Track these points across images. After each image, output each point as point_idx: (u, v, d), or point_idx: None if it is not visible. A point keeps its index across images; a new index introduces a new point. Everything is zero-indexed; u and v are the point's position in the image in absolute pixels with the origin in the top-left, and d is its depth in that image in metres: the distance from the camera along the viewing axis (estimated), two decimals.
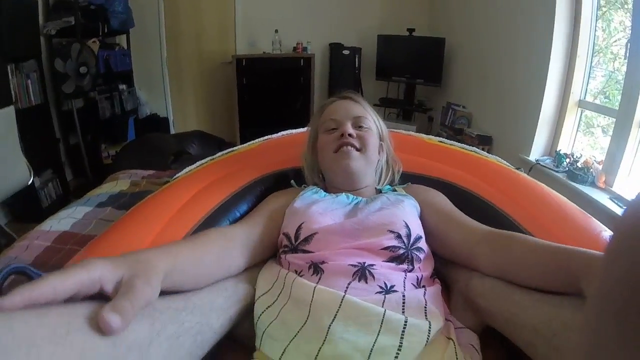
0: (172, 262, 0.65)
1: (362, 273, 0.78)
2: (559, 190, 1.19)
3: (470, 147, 1.47)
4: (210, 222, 1.04)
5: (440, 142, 1.47)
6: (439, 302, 0.80)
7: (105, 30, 3.93)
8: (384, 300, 0.73)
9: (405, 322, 0.68)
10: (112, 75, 4.04)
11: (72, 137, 3.81)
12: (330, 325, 0.68)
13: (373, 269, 0.79)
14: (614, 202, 2.37)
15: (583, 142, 2.98)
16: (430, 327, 0.70)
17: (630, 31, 2.41)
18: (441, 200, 1.05)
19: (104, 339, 0.48)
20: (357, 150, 1.05)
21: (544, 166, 2.98)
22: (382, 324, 0.68)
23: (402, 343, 0.65)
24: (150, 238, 0.94)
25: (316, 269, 0.81)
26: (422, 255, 0.86)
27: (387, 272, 0.80)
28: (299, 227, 0.89)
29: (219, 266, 0.79)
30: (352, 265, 0.79)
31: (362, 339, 0.66)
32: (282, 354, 0.69)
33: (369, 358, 0.64)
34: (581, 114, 2.98)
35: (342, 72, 4.88)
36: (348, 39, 4.89)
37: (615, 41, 2.62)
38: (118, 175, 2.07)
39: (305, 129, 1.28)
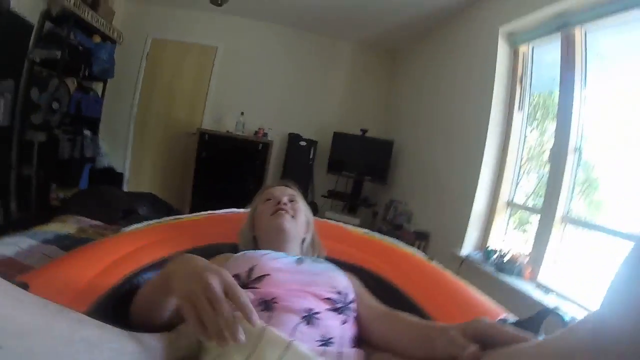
0: None
1: (309, 320, 0.83)
2: (487, 282, 1.31)
3: (391, 238, 1.58)
4: (142, 277, 1.08)
5: (365, 233, 1.59)
6: None
7: (86, 74, 3.91)
8: (322, 352, 0.77)
9: None
10: (80, 118, 3.95)
11: (26, 168, 3.60)
12: None
13: (317, 317, 0.84)
14: (538, 290, 2.43)
15: (519, 239, 3.10)
16: None
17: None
18: (357, 282, 1.12)
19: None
20: (291, 216, 1.18)
21: (474, 261, 3.05)
22: None
23: None
24: (88, 278, 0.96)
25: (267, 305, 0.84)
26: (353, 315, 0.95)
27: (328, 323, 0.85)
28: (251, 269, 0.94)
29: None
30: (301, 310, 0.84)
31: None
32: None
33: None
34: (510, 213, 3.14)
35: (297, 161, 4.99)
36: (306, 131, 5.09)
37: (546, 149, 2.86)
38: (66, 218, 2.00)
39: (247, 209, 1.38)
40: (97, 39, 4.09)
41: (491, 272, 2.79)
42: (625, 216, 2.18)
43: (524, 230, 3.10)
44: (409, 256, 1.42)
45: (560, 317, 0.96)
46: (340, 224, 1.65)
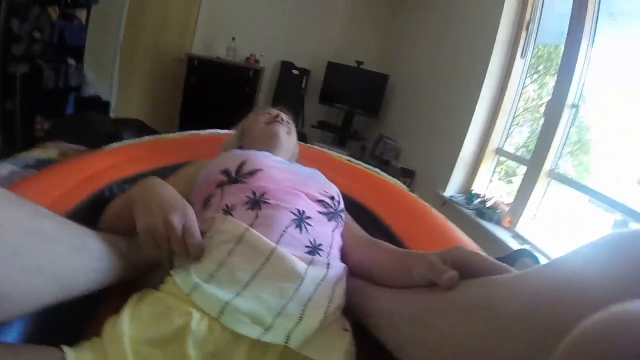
0: None
1: (299, 223, 0.80)
2: (466, 224, 1.29)
3: (374, 168, 1.59)
4: (123, 188, 1.07)
5: (348, 160, 1.59)
6: (343, 286, 0.80)
7: (68, 1, 3.65)
8: (310, 261, 0.74)
9: (310, 299, 0.69)
10: (64, 47, 3.73)
11: (9, 102, 3.46)
12: (249, 282, 0.67)
13: (308, 222, 0.81)
14: (514, 240, 2.49)
15: (503, 190, 3.14)
16: (328, 307, 0.70)
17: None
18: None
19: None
20: (286, 133, 1.15)
21: (456, 202, 3.10)
22: (294, 291, 0.68)
23: (302, 314, 0.66)
24: (60, 192, 0.94)
25: (255, 204, 0.80)
26: (342, 222, 0.93)
27: (318, 229, 0.82)
28: (242, 163, 0.89)
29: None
30: (292, 212, 0.81)
31: (274, 301, 0.65)
32: (191, 289, 0.65)
33: (275, 319, 0.63)
34: (498, 161, 3.15)
35: (289, 89, 4.86)
36: (300, 60, 4.90)
37: (542, 104, 2.81)
38: (48, 144, 1.95)
39: (231, 131, 1.35)
40: None
41: (471, 215, 2.85)
42: (610, 181, 2.20)
43: (509, 181, 3.14)
44: (390, 185, 1.43)
45: (534, 259, 0.99)
46: (325, 149, 1.66)
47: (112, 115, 4.64)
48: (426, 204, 1.32)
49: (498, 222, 2.71)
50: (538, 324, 0.44)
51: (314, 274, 0.72)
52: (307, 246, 0.77)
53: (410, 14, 4.74)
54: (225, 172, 0.88)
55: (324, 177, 1.03)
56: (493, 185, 3.20)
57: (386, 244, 0.89)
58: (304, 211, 0.82)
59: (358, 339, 0.73)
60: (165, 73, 4.92)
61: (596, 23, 2.35)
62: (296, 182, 0.90)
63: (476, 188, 3.18)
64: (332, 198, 0.92)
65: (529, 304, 0.47)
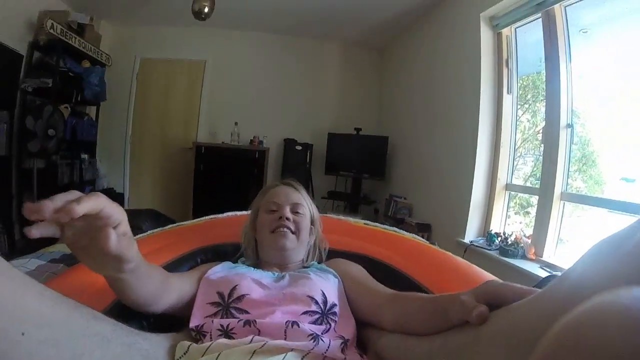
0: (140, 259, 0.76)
1: (294, 324, 0.85)
2: (492, 265, 1.30)
3: (391, 227, 1.59)
4: None
5: (365, 224, 1.59)
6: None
7: (78, 99, 3.94)
8: (314, 346, 0.79)
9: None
10: (77, 143, 3.98)
11: (27, 196, 3.61)
12: None
13: (302, 323, 0.86)
14: (543, 269, 2.42)
15: (522, 223, 3.10)
16: None
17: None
18: (357, 270, 1.14)
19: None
20: (292, 232, 1.15)
21: (478, 246, 3.04)
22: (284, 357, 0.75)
23: None
24: (96, 288, 0.97)
25: (252, 325, 0.86)
26: (336, 320, 0.94)
27: (312, 326, 0.88)
28: (233, 289, 0.96)
29: (162, 283, 0.89)
30: (282, 323, 0.85)
31: None
32: None
33: None
34: (509, 196, 3.14)
35: (294, 165, 5.00)
36: (301, 136, 5.11)
37: (539, 130, 2.86)
38: None
39: (247, 211, 1.36)
40: (86, 63, 4.13)
41: (496, 255, 2.79)
42: (626, 187, 2.18)
43: (527, 213, 3.11)
44: (410, 241, 1.43)
45: None
46: (341, 217, 1.65)
47: (127, 206, 4.75)
48: (448, 252, 1.33)
49: (523, 256, 2.65)
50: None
51: (304, 345, 0.78)
52: (308, 335, 0.82)
53: (396, 72, 5.03)
54: (220, 295, 0.96)
55: (317, 276, 1.04)
56: (511, 221, 3.16)
57: (413, 293, 0.92)
58: (292, 320, 0.87)
59: None
60: (175, 162, 5.13)
61: (569, 41, 2.48)
62: (279, 299, 0.95)
63: (494, 227, 3.14)
64: (317, 302, 0.94)
65: (543, 320, 0.47)
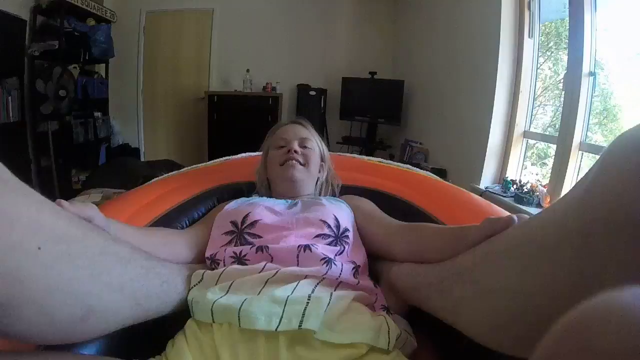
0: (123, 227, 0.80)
1: (306, 247, 0.86)
2: (508, 211, 1.27)
3: (404, 165, 1.58)
4: (171, 216, 1.16)
5: (379, 162, 1.59)
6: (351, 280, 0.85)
7: (86, 58, 3.94)
8: (327, 271, 0.81)
9: (315, 287, 0.77)
10: (89, 102, 4.01)
11: (44, 160, 3.71)
12: (259, 290, 0.76)
13: (314, 247, 0.87)
14: None
15: (538, 174, 3.09)
16: (334, 289, 0.78)
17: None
18: (368, 204, 1.16)
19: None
20: (301, 164, 1.18)
21: (493, 192, 3.06)
22: (298, 284, 0.76)
23: (310, 296, 0.72)
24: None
25: (264, 251, 0.88)
26: (349, 243, 0.96)
27: (325, 248, 0.90)
28: (245, 216, 0.98)
29: (164, 247, 0.89)
30: (295, 246, 0.87)
31: (281, 294, 0.72)
32: (212, 306, 0.72)
33: (284, 308, 0.69)
34: (526, 144, 3.11)
35: (309, 111, 4.95)
36: (315, 81, 5.04)
37: (561, 79, 2.78)
38: (90, 191, 2.04)
39: (259, 152, 1.39)
40: (91, 22, 4.06)
41: (511, 202, 2.81)
42: None
43: (543, 164, 3.09)
44: (425, 178, 1.44)
45: None
46: (355, 155, 1.67)
47: (143, 159, 4.84)
48: (463, 189, 1.32)
49: (539, 205, 2.67)
50: (569, 244, 0.46)
51: (316, 270, 0.80)
52: (321, 259, 0.83)
53: (412, 15, 4.83)
54: (235, 224, 0.98)
55: (329, 204, 1.06)
56: (527, 172, 3.15)
57: (428, 224, 0.94)
58: (304, 244, 0.88)
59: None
60: (188, 113, 5.14)
61: None
62: (290, 223, 0.96)
63: (510, 175, 3.14)
64: (329, 226, 0.96)
65: (559, 226, 0.49)
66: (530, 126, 3.10)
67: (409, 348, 0.76)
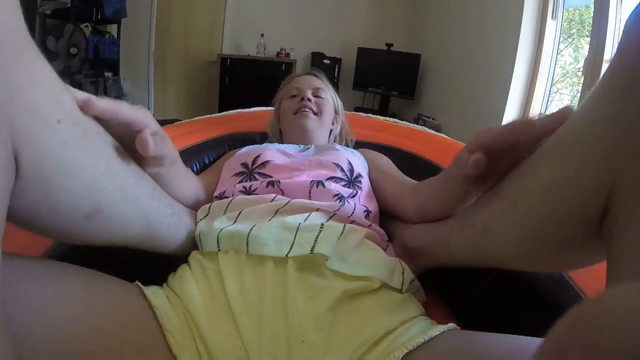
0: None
1: (319, 183, 0.83)
2: None
3: (422, 127, 1.56)
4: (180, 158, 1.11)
5: (395, 122, 1.56)
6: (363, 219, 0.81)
7: (98, 17, 3.88)
8: (340, 207, 0.77)
9: (328, 219, 0.75)
10: (100, 61, 3.98)
11: None
12: (270, 219, 0.73)
13: (327, 183, 0.84)
14: None
15: None
16: (347, 222, 0.75)
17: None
18: (383, 159, 1.11)
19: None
20: (314, 114, 1.15)
21: None
22: (310, 214, 0.74)
23: (322, 225, 0.68)
24: None
25: (275, 185, 0.85)
26: (362, 189, 0.92)
27: (338, 187, 0.86)
28: (256, 157, 0.96)
29: (197, 182, 0.88)
30: (307, 182, 0.84)
31: (294, 221, 0.70)
32: (218, 233, 0.69)
33: (296, 234, 0.66)
34: None
35: None
36: (330, 49, 4.97)
37: (580, 67, 2.73)
38: None
39: (271, 107, 1.37)
40: None
41: None
42: None
43: None
44: (441, 138, 1.42)
45: None
46: (370, 115, 1.64)
47: None
48: None
49: None
50: (576, 182, 0.45)
51: (329, 205, 0.77)
52: (334, 195, 0.81)
53: None
54: (245, 165, 0.96)
55: (342, 152, 1.02)
56: None
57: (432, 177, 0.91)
58: (317, 180, 0.85)
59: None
60: (200, 76, 5.10)
61: None
62: (302, 164, 0.94)
63: None
64: (342, 170, 0.93)
65: (584, 114, 0.47)
66: (546, 109, 3.06)
67: (420, 298, 0.73)
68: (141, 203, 0.60)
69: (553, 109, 3.04)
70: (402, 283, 0.66)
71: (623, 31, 0.44)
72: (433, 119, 4.30)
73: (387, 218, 0.97)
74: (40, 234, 0.56)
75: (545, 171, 0.50)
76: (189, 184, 0.84)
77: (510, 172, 0.58)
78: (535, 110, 3.07)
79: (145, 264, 0.69)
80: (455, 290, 0.84)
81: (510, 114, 3.13)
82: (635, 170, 0.40)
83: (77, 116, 0.49)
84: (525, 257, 0.56)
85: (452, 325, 0.58)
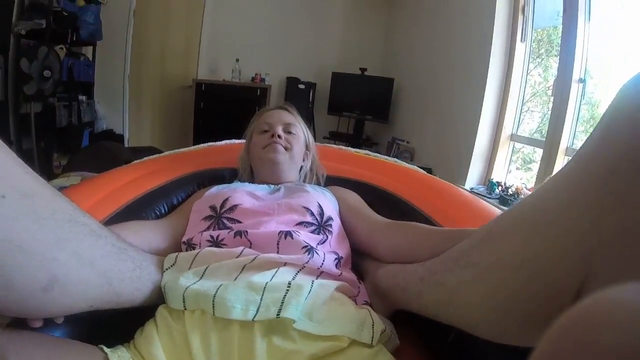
0: None
1: (287, 234, 0.82)
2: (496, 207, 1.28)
3: (392, 158, 1.57)
4: (147, 201, 1.10)
5: (366, 154, 1.57)
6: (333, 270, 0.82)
7: (74, 39, 3.85)
8: (309, 259, 0.77)
9: (296, 274, 0.75)
10: (74, 84, 3.91)
11: (26, 142, 3.61)
12: (236, 277, 0.72)
13: (296, 233, 0.83)
14: None
15: (523, 178, 3.17)
16: (316, 278, 0.75)
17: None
18: (353, 197, 1.14)
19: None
20: (284, 149, 1.14)
21: (478, 193, 3.12)
22: (278, 270, 0.73)
23: (290, 284, 0.68)
24: (89, 204, 0.97)
25: (243, 236, 0.84)
26: (332, 233, 0.93)
27: (308, 236, 0.86)
28: (225, 200, 0.96)
29: (134, 236, 0.81)
30: (275, 232, 0.83)
31: (260, 280, 0.69)
32: (184, 292, 0.68)
33: (263, 294, 0.65)
34: (513, 147, 3.19)
35: (297, 104, 4.86)
36: (304, 74, 5.03)
37: (550, 86, 2.86)
38: (70, 174, 2.01)
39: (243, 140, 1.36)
40: (80, 2, 3.95)
41: (495, 204, 2.87)
42: None
43: (528, 169, 3.18)
44: (412, 171, 1.42)
45: None
46: (342, 147, 1.64)
47: (127, 145, 4.78)
48: (447, 182, 1.31)
49: None
50: (575, 211, 0.45)
51: (297, 259, 0.77)
52: (302, 247, 0.80)
53: (405, 14, 4.89)
54: (213, 208, 0.95)
55: (313, 192, 1.03)
56: (512, 176, 3.24)
57: (419, 224, 0.90)
58: (286, 230, 0.84)
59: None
60: (175, 100, 5.09)
61: None
62: (272, 208, 0.94)
63: (496, 177, 3.22)
64: (312, 214, 0.93)
65: (561, 192, 0.48)
66: (517, 130, 3.18)
67: (391, 345, 0.73)
68: (97, 264, 0.59)
69: (524, 127, 3.19)
70: (372, 337, 0.66)
71: (612, 104, 0.46)
72: (407, 142, 4.39)
73: (359, 256, 0.99)
74: None
75: (520, 245, 0.51)
76: (140, 238, 0.84)
77: (482, 230, 0.60)
78: (507, 131, 3.19)
79: (111, 317, 0.68)
80: (427, 335, 0.84)
81: (482, 135, 3.23)
82: (612, 257, 0.41)
83: (25, 186, 0.49)
84: (494, 326, 0.57)
85: None
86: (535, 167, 2.88)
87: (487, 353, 0.68)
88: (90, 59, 4.31)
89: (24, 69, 3.17)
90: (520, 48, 3.06)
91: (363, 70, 4.80)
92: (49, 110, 3.71)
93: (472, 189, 3.23)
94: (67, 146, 3.94)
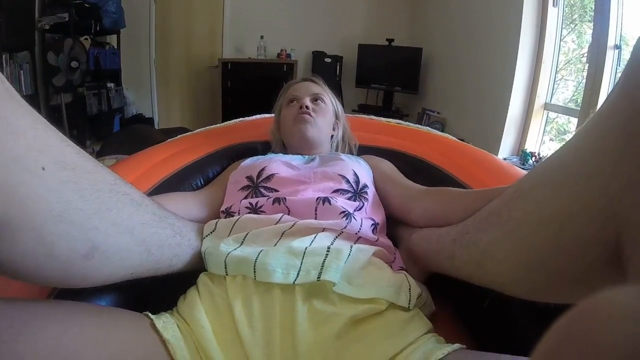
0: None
1: (325, 200, 0.84)
2: None
3: (425, 127, 1.55)
4: (183, 175, 1.13)
5: (398, 124, 1.55)
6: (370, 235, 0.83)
7: (97, 29, 3.94)
8: (346, 225, 0.79)
9: (334, 240, 0.76)
10: (101, 73, 4.03)
11: (59, 131, 3.78)
12: (276, 242, 0.75)
13: (333, 199, 0.85)
14: None
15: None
16: (353, 244, 0.77)
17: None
18: (387, 165, 1.14)
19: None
20: (313, 120, 1.15)
21: (511, 164, 3.08)
22: (316, 236, 0.75)
23: (329, 249, 0.70)
24: (130, 179, 0.98)
25: (280, 201, 0.86)
26: (368, 200, 0.94)
27: (345, 202, 0.87)
28: (262, 170, 0.97)
29: (175, 206, 0.83)
30: (313, 199, 0.85)
31: (300, 245, 0.71)
32: (225, 258, 0.71)
33: (303, 259, 0.67)
34: (547, 116, 3.11)
35: (324, 79, 4.88)
36: (330, 48, 4.98)
37: (584, 53, 2.76)
38: (104, 157, 2.08)
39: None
40: None
41: None
42: None
43: (562, 140, 3.09)
44: (445, 139, 1.40)
45: None
46: (372, 117, 1.63)
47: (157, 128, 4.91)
48: (482, 150, 1.28)
49: None
50: (594, 173, 0.45)
51: (335, 224, 0.79)
52: (340, 213, 0.82)
53: None
54: (250, 179, 0.97)
55: (347, 161, 1.04)
56: (546, 147, 3.17)
57: (450, 188, 0.92)
58: (323, 196, 0.86)
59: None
60: (202, 81, 5.16)
61: None
62: (308, 177, 0.96)
63: (529, 147, 3.16)
64: (348, 181, 0.94)
65: (583, 143, 0.49)
66: (551, 99, 3.09)
67: (428, 310, 0.76)
68: (137, 233, 0.61)
69: (558, 96, 3.09)
70: (409, 300, 0.68)
71: (631, 57, 0.45)
72: (438, 112, 4.32)
73: (394, 223, 1.00)
74: (41, 284, 0.58)
75: (547, 199, 0.51)
76: (185, 210, 0.87)
77: (511, 188, 0.60)
78: (540, 100, 3.11)
79: (153, 286, 0.71)
80: (462, 302, 0.86)
81: (515, 105, 3.15)
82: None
83: (65, 159, 0.50)
84: (524, 282, 0.57)
85: (457, 345, 0.60)
86: (569, 137, 2.80)
87: (520, 319, 0.70)
88: (116, 47, 4.41)
89: (51, 62, 3.28)
90: (552, 13, 2.94)
91: (390, 40, 4.71)
92: (79, 100, 3.85)
93: (505, 159, 3.18)
94: (99, 133, 4.09)
